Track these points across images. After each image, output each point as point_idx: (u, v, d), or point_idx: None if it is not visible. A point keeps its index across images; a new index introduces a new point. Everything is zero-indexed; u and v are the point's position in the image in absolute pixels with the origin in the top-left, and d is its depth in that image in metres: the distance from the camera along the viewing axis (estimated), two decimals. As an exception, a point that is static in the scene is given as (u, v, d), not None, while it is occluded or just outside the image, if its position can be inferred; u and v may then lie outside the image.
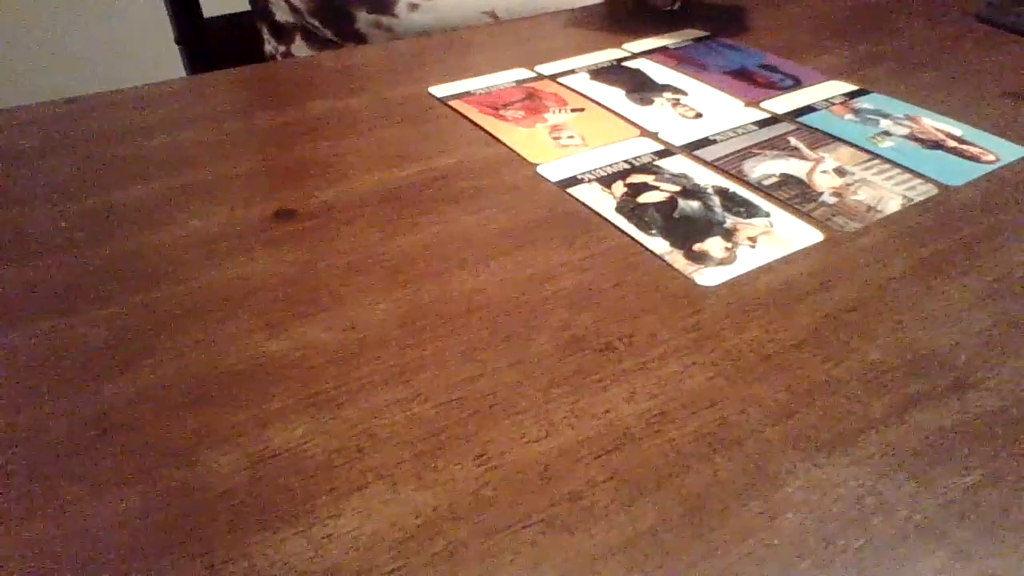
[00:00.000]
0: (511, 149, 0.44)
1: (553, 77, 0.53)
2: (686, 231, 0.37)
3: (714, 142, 0.45)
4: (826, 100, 0.50)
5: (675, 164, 0.42)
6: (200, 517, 0.23)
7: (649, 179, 0.41)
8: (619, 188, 0.40)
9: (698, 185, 0.40)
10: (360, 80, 0.54)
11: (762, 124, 0.47)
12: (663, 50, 0.58)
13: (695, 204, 0.39)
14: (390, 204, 0.39)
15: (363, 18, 0.69)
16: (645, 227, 0.37)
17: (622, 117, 0.48)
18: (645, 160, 0.43)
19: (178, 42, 0.81)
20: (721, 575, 0.22)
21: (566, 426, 0.27)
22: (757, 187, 0.40)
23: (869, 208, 0.39)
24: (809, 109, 0.49)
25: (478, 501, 0.24)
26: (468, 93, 0.51)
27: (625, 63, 0.56)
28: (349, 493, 0.24)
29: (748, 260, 0.35)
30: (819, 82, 0.53)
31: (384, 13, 0.69)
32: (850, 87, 0.52)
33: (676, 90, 0.52)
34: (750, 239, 0.36)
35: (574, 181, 0.41)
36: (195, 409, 0.27)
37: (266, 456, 0.25)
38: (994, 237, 0.37)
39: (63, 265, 0.35)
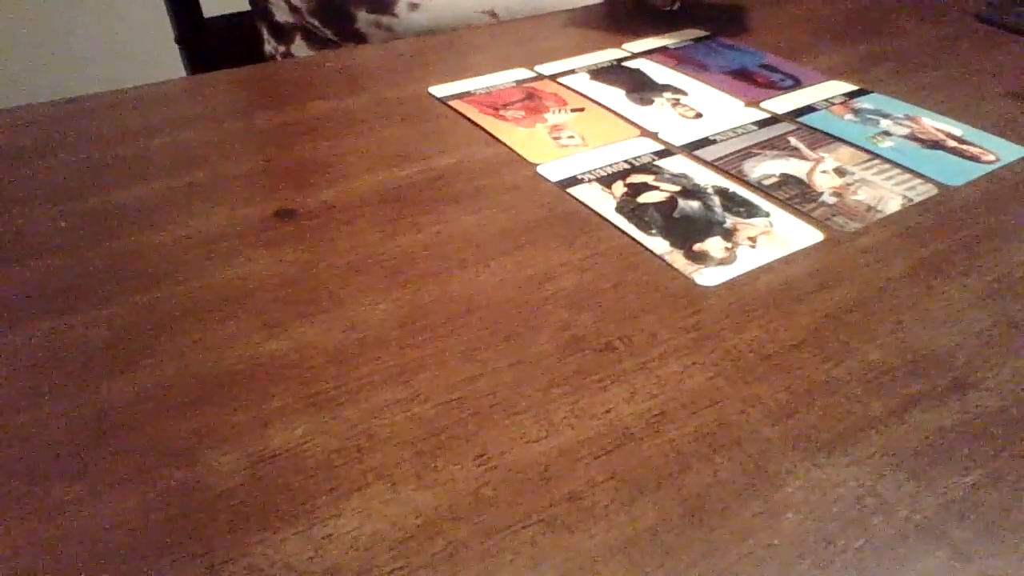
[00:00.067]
0: (511, 149, 0.44)
1: (553, 77, 0.53)
2: (686, 231, 0.37)
3: (714, 142, 0.45)
4: (826, 100, 0.50)
5: (675, 164, 0.42)
6: (200, 517, 0.23)
7: (649, 179, 0.41)
8: (619, 188, 0.40)
9: (698, 185, 0.40)
10: (360, 80, 0.54)
11: (762, 124, 0.47)
12: (663, 50, 0.58)
13: (695, 204, 0.39)
14: (390, 204, 0.39)
15: (363, 18, 0.69)
16: (645, 227, 0.37)
17: (622, 117, 0.48)
18: (645, 160, 0.43)
19: (178, 42, 0.81)
20: (721, 575, 0.22)
21: (566, 426, 0.27)
22: (757, 187, 0.40)
23: (869, 208, 0.39)
24: (809, 109, 0.49)
25: (478, 501, 0.24)
26: (468, 93, 0.51)
27: (625, 63, 0.56)
28: (349, 493, 0.24)
29: (748, 260, 0.35)
30: (819, 82, 0.53)
31: (384, 13, 0.68)
32: (850, 87, 0.52)
33: (676, 90, 0.52)
34: (750, 239, 0.36)
35: (574, 181, 0.41)
36: (195, 409, 0.27)
37: (266, 456, 0.25)
38: (994, 237, 0.37)
39: (63, 265, 0.35)
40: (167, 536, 0.23)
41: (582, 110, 0.49)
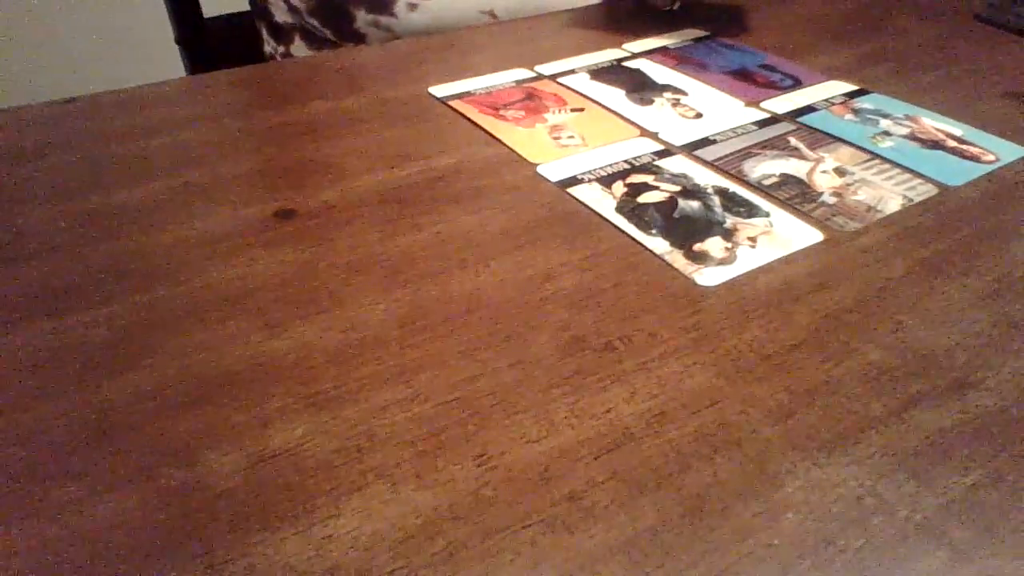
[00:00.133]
0: (511, 149, 0.44)
1: (553, 77, 0.53)
2: (686, 231, 0.37)
3: (714, 142, 0.45)
4: (826, 100, 0.50)
5: (675, 164, 0.42)
6: (200, 517, 0.23)
7: (649, 179, 0.41)
8: (619, 188, 0.40)
9: (698, 185, 0.40)
10: (360, 80, 0.54)
11: (762, 124, 0.47)
12: (663, 50, 0.58)
13: (695, 204, 0.39)
14: (390, 204, 0.39)
15: (362, 18, 0.69)
16: (645, 227, 0.37)
17: (622, 117, 0.48)
18: (645, 160, 0.43)
19: (178, 42, 0.81)
20: (721, 575, 0.22)
21: (566, 426, 0.27)
22: (757, 187, 0.40)
23: (869, 208, 0.39)
24: (809, 109, 0.49)
25: (478, 501, 0.24)
26: (468, 93, 0.51)
27: (625, 63, 0.56)
28: (349, 493, 0.24)
29: (748, 260, 0.35)
30: (819, 82, 0.53)
31: (383, 13, 0.69)
32: (850, 87, 0.52)
33: (676, 90, 0.52)
34: (750, 239, 0.36)
35: (574, 181, 0.41)
36: (195, 409, 0.27)
37: (266, 456, 0.25)
38: (994, 237, 0.37)
39: (63, 265, 0.35)
40: (167, 536, 0.23)
41: (582, 110, 0.49)
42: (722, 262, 0.35)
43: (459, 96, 0.51)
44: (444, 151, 0.44)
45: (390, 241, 0.36)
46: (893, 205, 0.39)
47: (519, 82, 0.53)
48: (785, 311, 0.32)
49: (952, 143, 0.45)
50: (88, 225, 0.38)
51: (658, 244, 0.36)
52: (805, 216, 0.38)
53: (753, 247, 0.36)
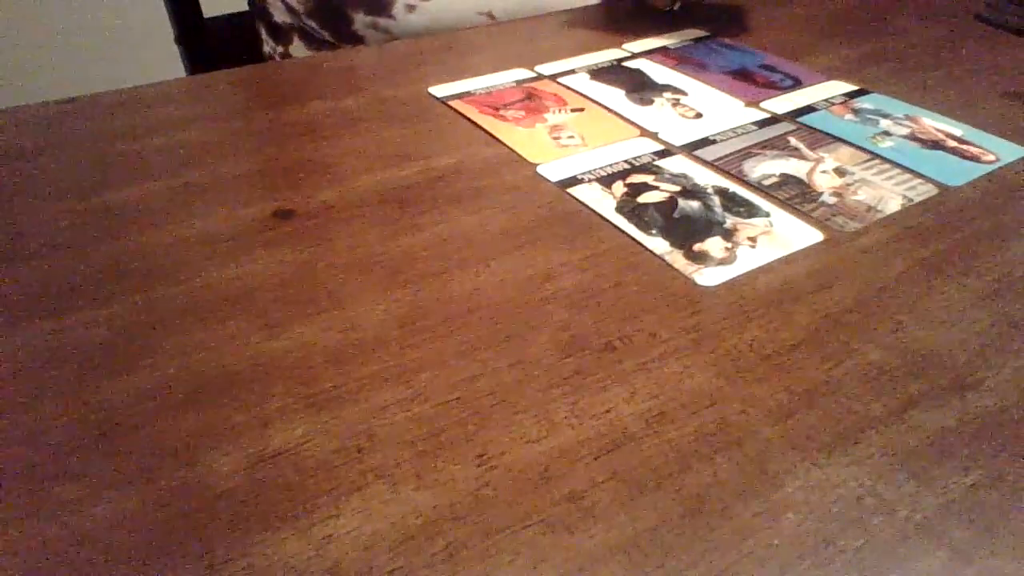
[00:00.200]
0: (511, 149, 0.44)
1: (553, 77, 0.53)
2: (686, 231, 0.37)
3: (714, 142, 0.45)
4: (826, 100, 0.50)
5: (675, 164, 0.42)
6: (200, 517, 0.23)
7: (649, 179, 0.41)
8: (619, 188, 0.40)
9: (698, 185, 0.40)
10: (360, 80, 0.54)
11: (762, 124, 0.47)
12: (663, 50, 0.58)
13: (695, 204, 0.39)
14: (390, 204, 0.39)
15: (360, 19, 0.69)
16: (645, 227, 0.37)
17: (622, 117, 0.48)
18: (645, 160, 0.43)
19: (178, 42, 0.81)
20: (721, 575, 0.22)
21: (566, 426, 0.27)
22: (757, 187, 0.40)
23: (869, 208, 0.39)
24: (809, 109, 0.49)
25: (478, 501, 0.24)
26: (468, 93, 0.51)
27: (625, 63, 0.56)
28: (349, 493, 0.24)
29: (748, 260, 0.35)
30: (819, 82, 0.53)
31: (381, 14, 0.68)
32: (850, 87, 0.52)
33: (676, 90, 0.52)
34: (750, 239, 0.36)
35: (574, 181, 0.41)
36: (195, 409, 0.27)
37: (266, 456, 0.25)
38: (994, 237, 0.37)
39: (63, 265, 0.35)
40: (167, 536, 0.23)
41: (582, 110, 0.49)
42: (722, 262, 0.35)
43: (459, 96, 0.51)
44: (444, 151, 0.44)
45: (390, 241, 0.36)
46: (893, 205, 0.39)
47: (519, 82, 0.53)
48: (785, 311, 0.32)
49: (952, 143, 0.45)
50: (88, 225, 0.38)
51: (658, 244, 0.36)
52: (805, 216, 0.38)
53: (753, 247, 0.36)
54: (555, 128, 0.47)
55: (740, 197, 0.39)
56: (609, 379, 0.28)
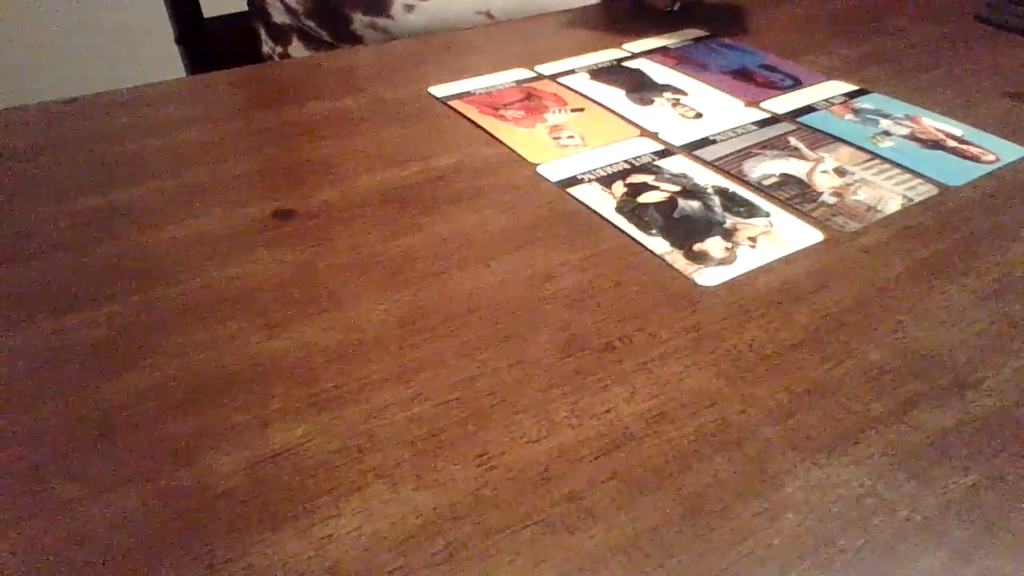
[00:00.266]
0: (511, 149, 0.44)
1: (553, 77, 0.53)
2: (686, 231, 0.37)
3: (714, 142, 0.45)
4: (826, 100, 0.50)
5: (675, 164, 0.42)
6: (200, 517, 0.23)
7: (649, 179, 0.41)
8: (619, 188, 0.40)
9: (698, 185, 0.40)
10: (360, 80, 0.54)
11: (762, 124, 0.47)
12: (663, 50, 0.58)
13: (695, 204, 0.39)
14: (390, 204, 0.39)
15: (359, 19, 0.69)
16: (645, 227, 0.37)
17: (622, 117, 0.48)
18: (645, 160, 0.43)
19: (178, 42, 0.81)
20: (721, 575, 0.22)
21: (566, 426, 0.27)
22: (757, 187, 0.40)
23: (869, 208, 0.39)
24: (809, 109, 0.49)
25: (478, 501, 0.24)
26: (468, 93, 0.51)
27: (625, 63, 0.56)
28: (349, 493, 0.24)
29: (748, 260, 0.35)
30: (819, 82, 0.53)
31: (380, 14, 0.69)
32: (850, 87, 0.52)
33: (676, 90, 0.52)
34: (750, 239, 0.36)
35: (574, 181, 0.41)
36: (195, 409, 0.27)
37: (266, 456, 0.25)
38: (994, 237, 0.37)
39: (63, 265, 0.35)
40: (167, 536, 0.23)
41: (582, 110, 0.49)
42: (722, 262, 0.35)
43: (459, 96, 0.51)
44: (444, 151, 0.44)
45: (390, 241, 0.36)
46: (893, 205, 0.39)
47: (519, 82, 0.53)
48: (785, 311, 0.32)
49: (952, 143, 0.45)
50: (88, 225, 0.38)
51: (658, 244, 0.36)
52: (805, 216, 0.38)
53: (753, 247, 0.36)
54: (555, 128, 0.47)
55: (740, 197, 0.39)
56: (609, 379, 0.28)
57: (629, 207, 0.39)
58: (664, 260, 0.35)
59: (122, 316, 0.32)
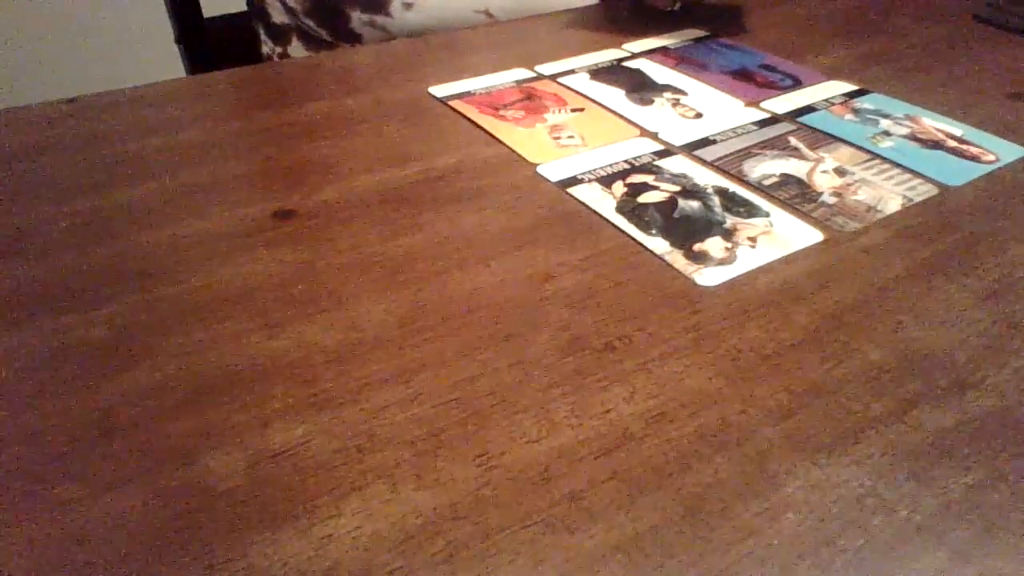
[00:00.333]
0: (511, 149, 0.44)
1: (553, 77, 0.53)
2: (686, 231, 0.37)
3: (714, 142, 0.45)
4: (826, 100, 0.50)
5: (675, 164, 0.42)
6: (200, 517, 0.23)
7: (649, 179, 0.41)
8: (619, 188, 0.40)
9: (698, 185, 0.40)
10: (360, 80, 0.54)
11: (762, 124, 0.47)
12: (663, 50, 0.58)
13: (695, 204, 0.39)
14: (390, 204, 0.39)
15: (357, 17, 0.69)
16: (645, 227, 0.37)
17: (622, 117, 0.48)
18: (645, 160, 0.43)
19: (178, 42, 0.81)
20: (721, 575, 0.22)
21: (566, 426, 0.27)
22: (757, 187, 0.40)
23: (869, 208, 0.39)
24: (809, 109, 0.49)
25: (478, 501, 0.24)
26: (468, 93, 0.51)
27: (625, 63, 0.56)
28: (349, 493, 0.24)
29: (748, 260, 0.35)
30: (819, 82, 0.53)
31: (378, 12, 0.69)
32: (850, 87, 0.52)
33: (676, 90, 0.52)
34: (750, 239, 0.36)
35: (574, 181, 0.41)
36: (195, 409, 0.27)
37: (266, 456, 0.25)
38: (994, 237, 0.37)
39: (63, 265, 0.35)
40: (167, 536, 0.23)
41: (582, 110, 0.49)
42: (722, 262, 0.35)
43: (459, 96, 0.51)
44: (444, 151, 0.44)
45: (390, 241, 0.36)
46: (893, 205, 0.39)
47: (519, 82, 0.53)
48: (785, 311, 0.32)
49: (952, 143, 0.45)
50: (88, 225, 0.38)
51: (658, 244, 0.36)
52: (805, 216, 0.38)
53: (753, 247, 0.36)
54: (555, 128, 0.47)
55: (740, 197, 0.39)
56: (609, 379, 0.28)
57: (629, 207, 0.39)
58: (664, 260, 0.35)
59: (122, 316, 0.32)
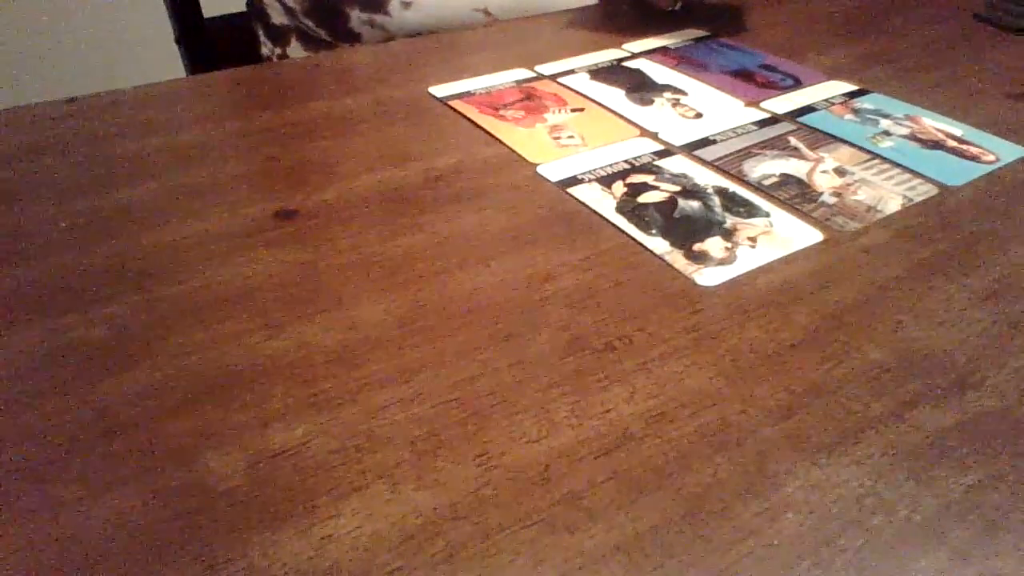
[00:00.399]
0: (511, 149, 0.44)
1: (553, 77, 0.53)
2: (686, 231, 0.37)
3: (714, 142, 0.45)
4: (826, 100, 0.50)
5: (675, 164, 0.42)
6: (200, 517, 0.23)
7: (649, 179, 0.41)
8: (619, 188, 0.40)
9: (698, 185, 0.40)
10: (360, 80, 0.54)
11: (762, 124, 0.47)
12: (663, 50, 0.58)
13: (695, 204, 0.39)
14: (390, 204, 0.39)
15: (356, 17, 0.69)
16: (645, 227, 0.37)
17: (622, 117, 0.48)
18: (645, 160, 0.43)
19: (178, 42, 0.81)
20: (721, 575, 0.22)
21: (566, 426, 0.27)
22: (757, 187, 0.40)
23: (869, 208, 0.39)
24: (809, 109, 0.49)
25: (478, 501, 0.24)
26: (468, 93, 0.51)
27: (625, 63, 0.56)
28: (349, 493, 0.24)
29: (748, 260, 0.35)
30: (819, 82, 0.53)
31: (377, 11, 0.69)
32: (850, 87, 0.52)
33: (676, 90, 0.52)
34: (750, 239, 0.36)
35: (574, 181, 0.41)
36: (195, 409, 0.27)
37: (266, 456, 0.25)
38: (994, 237, 0.37)
39: (63, 265, 0.35)
40: (167, 536, 0.23)
41: (582, 110, 0.49)
42: (722, 262, 0.35)
43: (459, 96, 0.51)
44: (444, 151, 0.44)
45: (390, 241, 0.36)
46: (893, 205, 0.39)
47: (519, 82, 0.53)
48: (785, 311, 0.32)
49: (952, 143, 0.45)
50: (88, 225, 0.38)
51: (658, 244, 0.36)
52: (805, 216, 0.38)
53: (753, 247, 0.36)
54: (555, 128, 0.47)
55: (740, 197, 0.39)
56: (609, 379, 0.28)
57: (629, 207, 0.39)
58: (664, 260, 0.35)
59: (122, 316, 0.32)
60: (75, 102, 0.50)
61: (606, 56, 0.57)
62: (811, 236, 0.37)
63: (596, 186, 0.40)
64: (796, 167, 0.42)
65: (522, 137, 0.45)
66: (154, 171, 0.42)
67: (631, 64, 0.56)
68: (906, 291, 0.33)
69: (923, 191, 0.40)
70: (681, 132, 0.46)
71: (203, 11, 0.82)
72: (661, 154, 0.44)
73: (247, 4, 0.79)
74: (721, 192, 0.40)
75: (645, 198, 0.39)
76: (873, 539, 0.23)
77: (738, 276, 0.34)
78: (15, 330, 0.31)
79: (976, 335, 0.31)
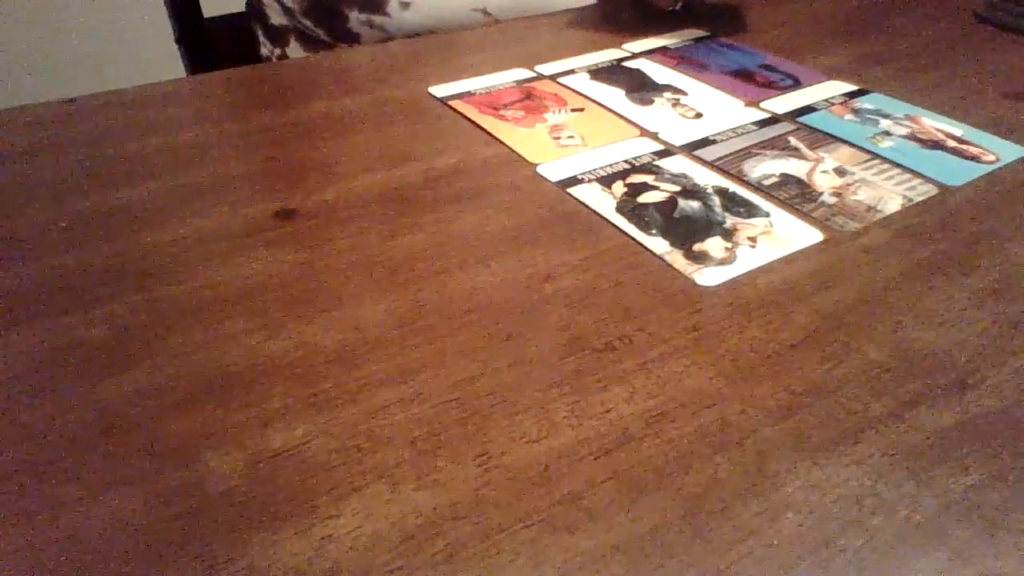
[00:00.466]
0: (511, 149, 0.44)
1: (553, 77, 0.53)
2: (686, 231, 0.37)
3: (714, 142, 0.45)
4: (826, 100, 0.50)
5: (675, 164, 0.42)
6: (200, 517, 0.23)
7: (649, 179, 0.41)
8: (619, 188, 0.40)
9: (698, 185, 0.40)
10: (360, 80, 0.54)
11: (762, 124, 0.47)
12: (663, 50, 0.58)
13: (695, 204, 0.39)
14: (390, 204, 0.39)
15: (355, 17, 0.69)
16: (645, 227, 0.37)
17: (622, 117, 0.48)
18: (645, 160, 0.43)
19: (178, 42, 0.81)
20: (721, 575, 0.22)
21: (566, 426, 0.26)
22: (757, 187, 0.40)
23: (869, 208, 0.39)
24: (809, 109, 0.49)
25: (478, 501, 0.24)
26: (468, 93, 0.51)
27: (625, 63, 0.56)
28: (349, 493, 0.24)
29: (748, 260, 0.35)
30: (819, 82, 0.53)
31: (376, 12, 0.69)
32: (850, 87, 0.52)
33: (676, 90, 0.52)
34: (750, 239, 0.36)
35: (574, 181, 0.41)
36: (195, 409, 0.27)
37: (266, 456, 0.25)
38: (994, 237, 0.37)
39: (63, 265, 0.35)
40: (167, 536, 0.23)
41: (582, 110, 0.49)
42: (722, 262, 0.35)
43: (459, 96, 0.51)
44: (444, 151, 0.44)
45: (390, 241, 0.36)
46: (893, 205, 0.39)
47: (519, 82, 0.53)
48: (785, 311, 0.32)
49: (952, 143, 0.45)
50: (88, 225, 0.38)
51: (658, 244, 0.36)
52: (805, 216, 0.38)
53: (753, 247, 0.36)
54: (555, 128, 0.47)
55: (740, 197, 0.39)
56: (609, 379, 0.28)
57: (629, 207, 0.39)
58: (664, 260, 0.35)
59: (122, 316, 0.32)
60: (75, 102, 0.50)
61: (606, 56, 0.57)
62: (811, 236, 0.37)
63: (596, 186, 0.40)
64: (796, 167, 0.42)
65: (522, 137, 0.45)
66: (154, 171, 0.42)
67: (631, 64, 0.56)
68: (906, 291, 0.33)
69: (923, 191, 0.40)
70: (681, 132, 0.46)
71: (203, 11, 0.82)
72: (661, 154, 0.44)
73: (246, 4, 0.79)
74: (721, 192, 0.40)
75: (645, 198, 0.39)
76: (873, 539, 0.23)
77: (738, 276, 0.34)
78: (15, 330, 0.31)
79: (976, 335, 0.31)
